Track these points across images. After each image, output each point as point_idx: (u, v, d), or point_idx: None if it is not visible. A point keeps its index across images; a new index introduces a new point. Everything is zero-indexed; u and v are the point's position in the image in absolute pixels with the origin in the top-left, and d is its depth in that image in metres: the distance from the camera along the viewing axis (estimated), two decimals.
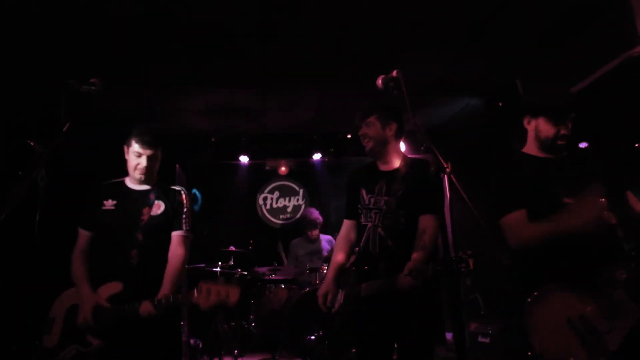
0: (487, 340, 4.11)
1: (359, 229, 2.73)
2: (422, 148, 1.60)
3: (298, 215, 7.08)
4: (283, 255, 5.94)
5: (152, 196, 2.70)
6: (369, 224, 2.62)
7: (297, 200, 7.21)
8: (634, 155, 3.59)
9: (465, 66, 4.83)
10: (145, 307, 2.36)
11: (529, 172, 2.30)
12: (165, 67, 4.49)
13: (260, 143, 6.66)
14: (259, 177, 7.21)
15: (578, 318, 1.94)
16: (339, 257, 2.80)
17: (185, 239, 2.70)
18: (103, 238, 2.63)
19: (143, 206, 2.66)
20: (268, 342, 5.04)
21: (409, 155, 2.76)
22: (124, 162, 2.75)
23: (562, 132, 2.31)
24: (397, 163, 2.68)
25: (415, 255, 2.36)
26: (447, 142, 5.74)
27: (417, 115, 2.03)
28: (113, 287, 2.49)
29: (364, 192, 2.69)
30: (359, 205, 2.69)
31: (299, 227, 6.33)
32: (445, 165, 1.50)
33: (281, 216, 7.15)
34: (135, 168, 2.66)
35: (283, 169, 7.16)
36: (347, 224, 2.89)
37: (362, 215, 2.68)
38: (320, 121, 6.26)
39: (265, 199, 7.16)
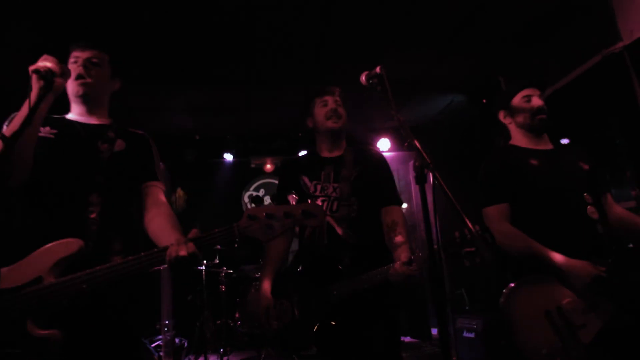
0: (472, 335, 4.15)
1: None
2: (405, 144, 1.58)
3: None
4: None
5: (110, 133, 1.97)
6: None
7: None
8: (614, 151, 3.65)
9: (449, 63, 4.87)
10: (179, 247, 1.54)
11: (514, 163, 2.32)
12: (149, 64, 4.44)
13: (245, 141, 6.65)
14: (244, 174, 7.18)
15: (555, 309, 1.97)
16: (278, 257, 2.33)
17: (160, 191, 2.01)
18: (40, 179, 1.78)
19: (99, 142, 1.93)
20: (254, 340, 5.02)
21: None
22: None
23: (535, 104, 2.36)
24: (341, 150, 2.46)
25: (403, 245, 2.16)
26: (432, 138, 5.77)
27: (401, 112, 2.04)
28: (63, 247, 1.60)
29: (306, 179, 2.39)
30: (299, 194, 2.31)
31: None
32: (429, 162, 1.50)
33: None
34: (74, 80, 1.90)
35: (268, 166, 7.13)
36: None
37: None
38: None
39: (250, 196, 7.12)
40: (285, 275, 2.33)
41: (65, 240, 1.62)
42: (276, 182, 7.08)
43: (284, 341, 2.20)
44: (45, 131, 1.86)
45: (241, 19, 3.78)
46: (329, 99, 2.43)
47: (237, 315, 5.18)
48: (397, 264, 2.04)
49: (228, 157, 6.65)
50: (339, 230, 2.25)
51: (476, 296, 5.24)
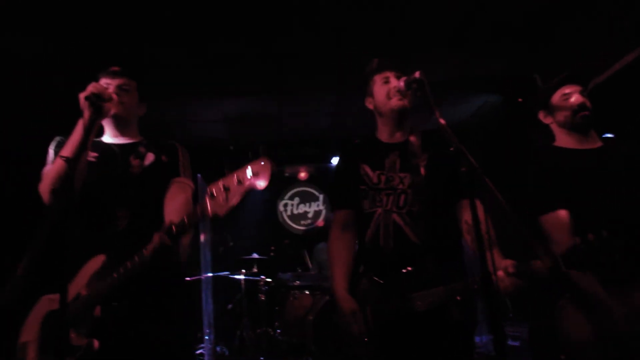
0: (517, 344, 4.03)
1: (361, 218, 2.09)
2: (450, 149, 1.55)
3: (319, 220, 7.06)
4: (308, 260, 5.93)
5: (141, 149, 2.09)
6: (378, 210, 2.01)
7: (318, 205, 7.20)
8: None
9: (482, 63, 4.78)
10: (157, 239, 1.65)
11: (565, 166, 2.12)
12: (182, 77, 4.54)
13: (278, 149, 6.70)
14: (279, 183, 7.23)
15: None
16: (346, 259, 2.09)
17: (185, 185, 2.06)
18: (84, 199, 1.90)
19: (131, 158, 2.05)
20: (293, 349, 5.02)
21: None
22: None
23: (576, 102, 2.18)
24: (406, 134, 2.14)
25: (494, 248, 1.76)
26: (465, 141, 5.66)
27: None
28: (93, 264, 1.79)
29: (367, 169, 2.09)
30: (362, 187, 2.07)
31: (323, 231, 6.35)
32: (477, 166, 1.46)
33: (302, 222, 7.14)
34: None
35: (302, 174, 7.17)
36: (342, 216, 2.17)
37: (366, 200, 2.05)
38: (337, 126, 6.26)
39: (285, 205, 7.17)
40: (353, 279, 2.05)
41: (94, 258, 1.79)
42: (309, 189, 7.29)
43: (353, 356, 1.92)
44: (89, 156, 1.97)
45: (272, 26, 3.82)
46: (391, 75, 2.12)
47: (276, 323, 5.19)
48: (501, 274, 1.67)
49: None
50: (407, 229, 1.94)
51: (519, 302, 5.08)
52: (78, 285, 1.76)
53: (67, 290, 1.36)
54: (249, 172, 1.52)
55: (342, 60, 4.48)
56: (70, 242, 1.57)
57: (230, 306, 5.57)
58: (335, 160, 6.88)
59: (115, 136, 2.12)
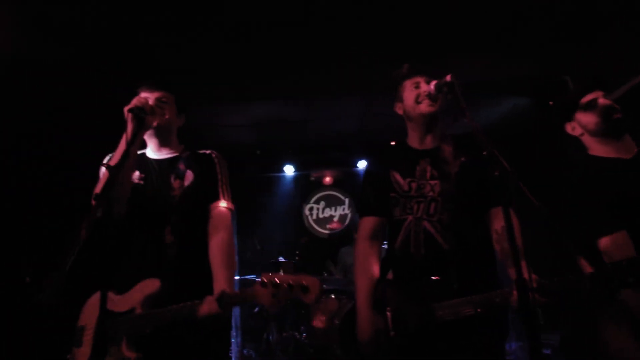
0: (548, 352, 3.94)
1: (391, 225, 2.08)
2: (484, 153, 1.53)
3: (345, 224, 7.05)
4: (333, 268, 5.92)
5: (181, 166, 2.14)
6: (409, 217, 1.99)
7: (343, 209, 7.19)
8: None
9: (510, 65, 4.70)
10: (208, 305, 1.73)
11: (611, 180, 1.95)
12: (212, 84, 4.61)
13: (304, 154, 6.74)
14: (304, 187, 7.25)
15: None
16: (373, 270, 2.05)
17: (227, 211, 2.09)
18: (132, 222, 2.01)
19: (172, 178, 2.10)
20: (320, 353, 5.01)
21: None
22: None
23: (602, 104, 2.04)
24: (437, 141, 2.10)
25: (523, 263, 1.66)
26: (496, 145, 5.57)
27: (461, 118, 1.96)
28: (148, 286, 1.90)
29: (397, 176, 2.07)
30: (393, 194, 2.05)
31: (348, 235, 6.35)
32: (510, 170, 1.43)
33: (328, 226, 7.13)
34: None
35: (328, 179, 7.20)
36: (370, 223, 2.12)
37: (397, 207, 2.03)
38: (363, 130, 6.25)
39: (311, 209, 7.18)
40: (377, 285, 2.03)
41: (150, 280, 1.90)
42: (335, 193, 7.28)
43: None
44: (136, 177, 2.08)
45: (300, 31, 3.85)
46: (421, 80, 2.09)
47: (302, 327, 5.20)
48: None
49: (289, 170, 6.81)
50: (439, 237, 1.92)
51: (549, 309, 4.95)
52: (133, 300, 1.89)
53: (106, 299, 1.50)
54: (300, 284, 1.61)
55: (369, 65, 4.48)
56: (120, 256, 1.79)
57: (257, 309, 5.61)
58: (361, 165, 6.88)
59: (157, 149, 2.19)
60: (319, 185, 7.28)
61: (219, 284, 1.86)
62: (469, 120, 1.63)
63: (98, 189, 1.94)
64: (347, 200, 7.23)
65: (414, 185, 2.03)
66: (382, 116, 5.76)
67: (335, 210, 7.18)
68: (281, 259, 5.60)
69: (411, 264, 1.95)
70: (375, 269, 2.08)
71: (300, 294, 1.60)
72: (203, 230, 2.06)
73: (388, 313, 1.87)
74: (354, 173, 7.05)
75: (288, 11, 3.55)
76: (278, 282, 1.61)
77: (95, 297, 2.03)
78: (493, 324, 1.81)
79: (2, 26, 3.27)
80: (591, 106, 2.08)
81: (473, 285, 1.80)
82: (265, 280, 1.63)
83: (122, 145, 1.92)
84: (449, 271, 1.85)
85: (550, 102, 5.33)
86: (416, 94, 2.07)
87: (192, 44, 3.91)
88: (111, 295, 1.92)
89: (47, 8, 3.23)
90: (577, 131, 2.16)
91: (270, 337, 5.00)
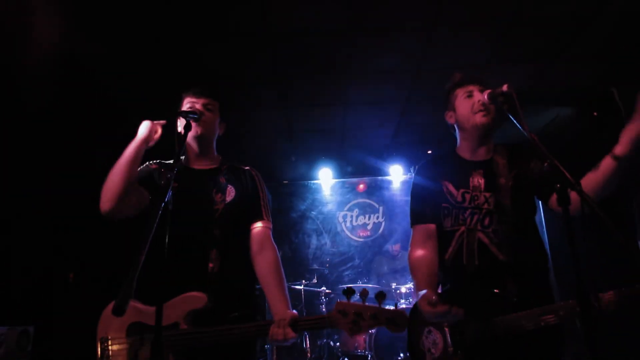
0: None
1: (441, 236, 2.04)
2: (545, 164, 1.50)
3: (379, 233, 7.01)
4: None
5: (222, 179, 2.09)
6: (462, 228, 1.96)
7: (377, 217, 7.15)
8: None
9: (555, 75, 4.61)
10: (282, 330, 1.69)
11: None
12: (252, 89, 4.68)
13: (340, 161, 6.76)
14: (339, 195, 7.26)
15: None
16: (431, 270, 1.98)
17: (269, 231, 2.09)
18: (173, 231, 1.74)
19: (214, 191, 2.05)
20: None
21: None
22: None
23: None
24: (489, 151, 2.07)
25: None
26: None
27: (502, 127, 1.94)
28: (193, 300, 1.83)
29: (450, 187, 2.03)
30: (445, 205, 2.01)
31: (378, 244, 6.38)
32: (574, 182, 1.40)
33: (361, 233, 7.11)
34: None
35: (361, 186, 7.19)
36: (425, 230, 2.06)
37: (449, 218, 2.00)
38: (397, 140, 6.24)
39: (345, 216, 7.17)
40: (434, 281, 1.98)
41: (196, 293, 1.84)
42: (369, 201, 7.25)
43: None
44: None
45: (335, 41, 3.86)
46: (475, 88, 2.04)
47: (335, 336, 5.19)
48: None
49: (323, 177, 6.85)
50: (494, 248, 1.88)
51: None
52: (175, 313, 1.81)
53: (162, 312, 1.41)
54: (385, 317, 1.63)
55: (406, 72, 4.47)
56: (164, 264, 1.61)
57: None
58: (393, 172, 6.87)
59: (197, 158, 2.14)
60: (354, 193, 7.27)
61: (280, 305, 1.84)
62: (527, 132, 1.59)
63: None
64: (381, 209, 7.19)
65: (467, 196, 1.99)
66: (416, 125, 5.75)
67: (369, 218, 7.15)
68: (315, 266, 5.63)
69: (464, 276, 1.91)
70: (432, 269, 1.99)
71: (385, 325, 1.63)
72: (244, 247, 2.05)
73: (446, 328, 1.82)
74: (385, 182, 7.15)
75: (330, 21, 3.58)
76: (360, 312, 1.64)
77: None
78: (552, 338, 1.75)
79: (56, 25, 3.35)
80: None
81: (532, 298, 1.76)
82: (345, 309, 1.65)
83: (133, 150, 1.94)
84: (506, 283, 1.80)
85: (595, 113, 5.21)
86: (470, 104, 2.03)
87: (232, 50, 3.97)
88: (137, 305, 1.85)
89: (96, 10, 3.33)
90: None
91: (305, 345, 5.00)
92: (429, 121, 5.50)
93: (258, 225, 2.07)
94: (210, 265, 1.93)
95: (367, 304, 1.66)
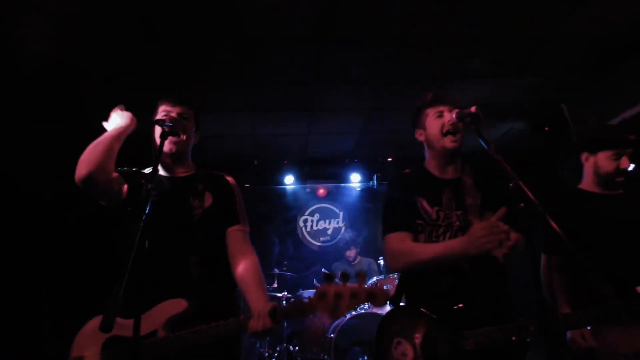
0: None
1: None
2: (510, 185, 1.59)
3: (338, 238, 7.08)
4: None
5: (199, 186, 2.10)
6: None
7: (337, 222, 7.23)
8: None
9: (510, 91, 4.84)
10: (261, 320, 1.67)
11: (582, 209, 2.35)
12: (217, 92, 4.64)
13: (302, 166, 6.80)
14: (300, 199, 7.27)
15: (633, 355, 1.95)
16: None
17: (247, 235, 2.11)
18: (153, 239, 1.76)
19: (191, 198, 2.05)
20: None
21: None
22: None
23: (622, 166, 2.34)
24: (457, 171, 2.13)
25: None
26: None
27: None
28: (173, 306, 1.80)
29: (424, 203, 2.05)
30: (419, 222, 2.03)
31: (337, 250, 6.45)
32: (536, 202, 1.49)
33: (321, 238, 7.16)
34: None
35: (321, 191, 7.25)
36: (400, 237, 2.03)
37: (422, 235, 2.02)
38: (360, 147, 6.35)
39: (305, 221, 7.20)
40: (401, 311, 2.02)
41: (174, 300, 1.81)
42: (330, 206, 7.30)
43: None
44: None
45: (305, 47, 3.91)
46: (445, 109, 2.08)
47: (295, 341, 5.21)
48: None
49: (287, 181, 6.87)
50: (465, 265, 1.92)
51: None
52: (154, 322, 1.77)
53: (140, 322, 1.39)
54: (366, 292, 1.57)
55: (372, 86, 4.58)
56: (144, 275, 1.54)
57: None
58: (355, 179, 6.97)
59: (172, 166, 2.12)
60: (314, 197, 7.30)
61: (260, 302, 1.79)
62: (493, 152, 1.68)
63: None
64: (341, 214, 7.27)
65: (441, 214, 2.03)
66: (380, 132, 5.88)
67: (330, 223, 7.22)
68: (276, 271, 5.62)
69: (436, 292, 1.94)
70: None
71: (365, 301, 1.58)
72: (223, 252, 2.04)
73: (417, 340, 1.84)
74: (347, 188, 7.26)
75: (297, 28, 3.61)
76: (340, 292, 1.56)
77: (92, 325, 1.87)
78: (521, 353, 1.79)
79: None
80: (613, 159, 2.36)
81: (502, 313, 1.82)
82: (325, 292, 1.58)
83: (116, 132, 1.94)
84: (477, 298, 1.84)
85: (546, 128, 5.49)
86: (440, 124, 2.06)
87: (203, 55, 3.94)
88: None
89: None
90: (589, 162, 2.46)
91: (263, 351, 4.99)
92: (391, 130, 5.64)
93: (235, 229, 2.08)
94: (191, 271, 1.91)
95: (347, 284, 1.60)
